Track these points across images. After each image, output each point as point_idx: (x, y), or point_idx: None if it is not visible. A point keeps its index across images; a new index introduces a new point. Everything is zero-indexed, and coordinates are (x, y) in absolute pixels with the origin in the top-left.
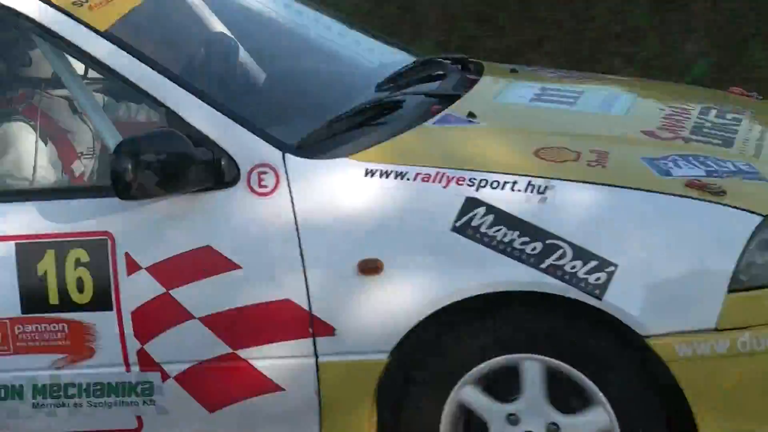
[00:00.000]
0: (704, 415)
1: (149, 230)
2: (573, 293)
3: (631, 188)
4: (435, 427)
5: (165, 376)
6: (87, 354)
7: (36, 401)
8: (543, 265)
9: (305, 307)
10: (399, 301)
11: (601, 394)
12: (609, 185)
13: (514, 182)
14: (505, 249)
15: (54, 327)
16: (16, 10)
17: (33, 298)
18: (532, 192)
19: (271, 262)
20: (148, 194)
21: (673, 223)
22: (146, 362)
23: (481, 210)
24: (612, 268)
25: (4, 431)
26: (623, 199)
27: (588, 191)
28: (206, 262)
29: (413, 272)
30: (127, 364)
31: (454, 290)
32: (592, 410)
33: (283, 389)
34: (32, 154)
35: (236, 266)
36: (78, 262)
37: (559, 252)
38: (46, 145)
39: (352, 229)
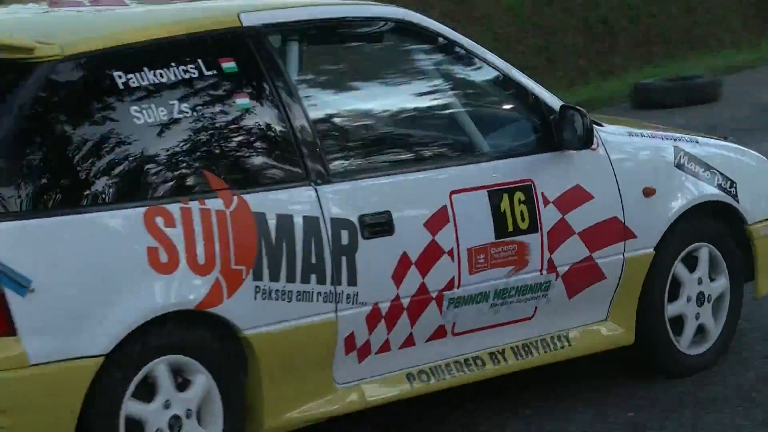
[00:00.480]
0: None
1: (549, 176)
2: (730, 200)
3: (726, 142)
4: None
5: (557, 276)
6: (524, 265)
7: (493, 302)
8: (715, 185)
9: (622, 220)
10: (663, 211)
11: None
12: (714, 139)
13: (681, 137)
14: (697, 176)
15: (510, 247)
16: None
17: (500, 228)
18: (693, 143)
19: (606, 192)
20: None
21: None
22: (550, 267)
23: (681, 153)
24: (735, 185)
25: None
26: (728, 147)
27: (709, 143)
28: (578, 195)
29: (667, 193)
30: (541, 270)
31: (686, 202)
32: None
33: (606, 278)
34: None
35: (591, 196)
36: (520, 201)
37: (717, 176)
38: None
39: (638, 167)
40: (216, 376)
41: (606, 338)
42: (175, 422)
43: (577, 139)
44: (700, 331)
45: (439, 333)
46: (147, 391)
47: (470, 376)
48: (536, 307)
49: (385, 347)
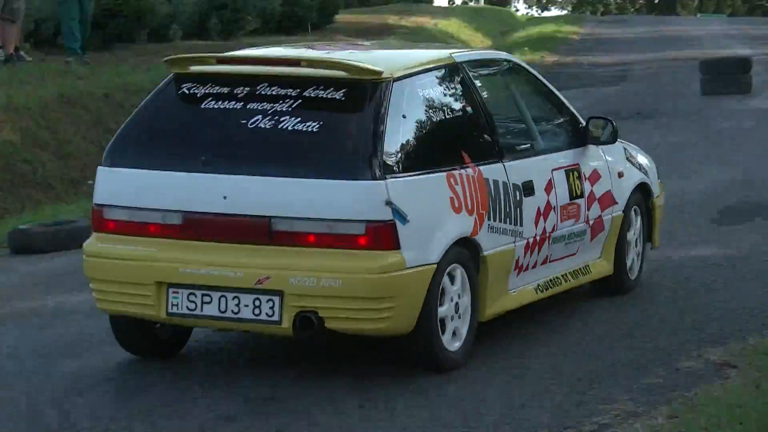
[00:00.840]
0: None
1: (584, 162)
2: (648, 181)
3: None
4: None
5: (589, 226)
6: (578, 218)
7: (566, 242)
8: (642, 171)
9: (612, 192)
10: (626, 187)
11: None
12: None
13: (621, 141)
14: (635, 165)
15: (574, 207)
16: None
17: (571, 193)
18: (628, 145)
19: (605, 173)
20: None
21: (641, 153)
22: (587, 220)
23: (626, 151)
24: (646, 171)
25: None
26: (637, 148)
27: (632, 146)
28: (596, 175)
29: (627, 176)
30: (584, 222)
31: (634, 181)
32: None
33: (605, 229)
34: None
35: (600, 176)
36: (576, 177)
37: (641, 165)
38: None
39: (614, 158)
40: (468, 277)
41: (603, 269)
42: (456, 298)
43: (609, 137)
44: (633, 264)
45: (545, 260)
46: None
47: (557, 288)
48: (578, 247)
49: (526, 268)
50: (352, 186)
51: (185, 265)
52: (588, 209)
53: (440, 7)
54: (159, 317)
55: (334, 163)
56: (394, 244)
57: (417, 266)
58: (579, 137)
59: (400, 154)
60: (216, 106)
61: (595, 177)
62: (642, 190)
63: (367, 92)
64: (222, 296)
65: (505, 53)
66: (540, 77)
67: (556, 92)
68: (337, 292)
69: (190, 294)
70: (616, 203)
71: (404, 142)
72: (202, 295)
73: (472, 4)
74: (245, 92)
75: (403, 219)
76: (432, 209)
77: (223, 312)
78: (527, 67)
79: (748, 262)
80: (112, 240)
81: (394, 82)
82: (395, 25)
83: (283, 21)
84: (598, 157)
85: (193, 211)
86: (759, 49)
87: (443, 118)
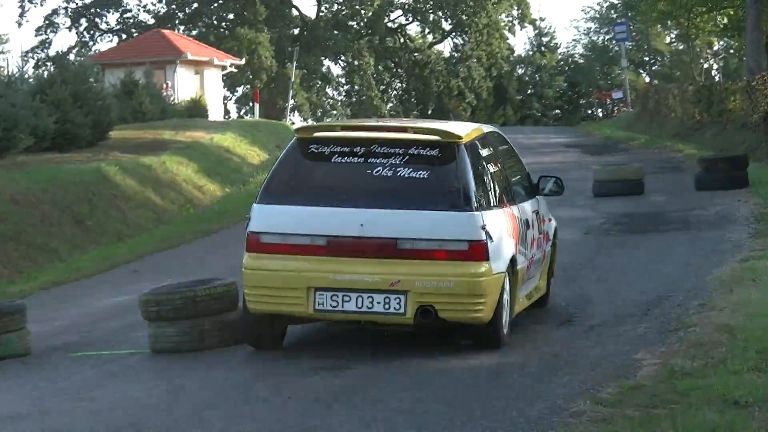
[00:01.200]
0: None
1: (540, 208)
2: (556, 224)
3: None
4: None
5: (542, 255)
6: (540, 249)
7: (535, 266)
8: (552, 217)
9: (548, 232)
10: (551, 228)
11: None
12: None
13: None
14: (550, 214)
15: (539, 239)
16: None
17: (537, 230)
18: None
19: (547, 217)
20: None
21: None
22: (541, 250)
23: (544, 202)
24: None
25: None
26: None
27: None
28: (543, 218)
29: (552, 221)
30: (541, 252)
31: (554, 224)
32: None
33: (545, 258)
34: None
35: (545, 220)
36: (538, 218)
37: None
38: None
39: (546, 208)
40: (510, 284)
41: (542, 289)
42: (506, 297)
43: (559, 190)
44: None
45: (528, 277)
46: None
47: (533, 299)
48: (536, 270)
49: (525, 281)
50: (457, 216)
51: (332, 274)
52: (544, 242)
53: (216, 121)
54: (306, 313)
55: (443, 199)
56: (486, 256)
57: (497, 273)
58: (534, 189)
59: (480, 194)
60: (343, 161)
61: (543, 220)
62: (554, 233)
63: (454, 151)
64: (359, 296)
65: (493, 127)
66: (512, 144)
67: (519, 156)
68: (450, 291)
69: (333, 295)
70: (550, 240)
71: (480, 186)
72: (343, 295)
73: (247, 118)
74: (363, 150)
75: (491, 239)
76: (500, 233)
77: (359, 308)
78: (506, 137)
79: (541, 365)
80: (266, 258)
81: (466, 144)
82: (171, 140)
83: (57, 138)
84: (543, 205)
85: (336, 235)
86: (531, 158)
87: (492, 170)
